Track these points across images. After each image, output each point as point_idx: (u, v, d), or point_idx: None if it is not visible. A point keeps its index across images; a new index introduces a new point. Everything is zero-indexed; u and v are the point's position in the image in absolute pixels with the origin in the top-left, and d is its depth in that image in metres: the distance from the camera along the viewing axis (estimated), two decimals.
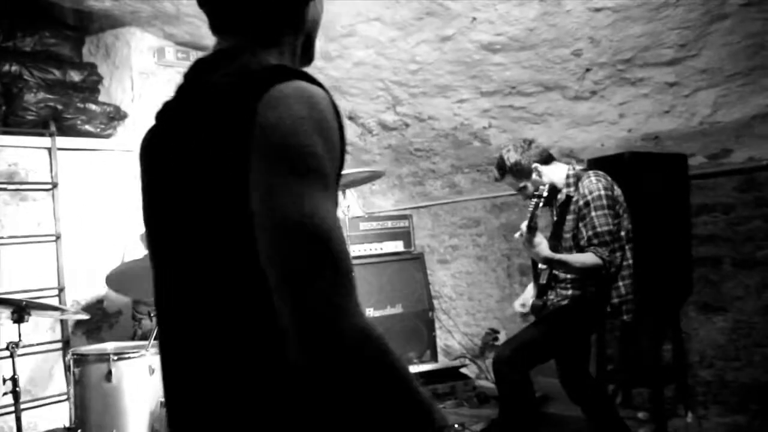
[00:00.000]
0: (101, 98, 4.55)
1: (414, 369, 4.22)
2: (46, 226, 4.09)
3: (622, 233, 2.89)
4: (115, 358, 2.93)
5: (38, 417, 3.86)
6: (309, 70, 1.01)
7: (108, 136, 4.45)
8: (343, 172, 1.01)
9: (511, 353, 2.91)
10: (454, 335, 5.21)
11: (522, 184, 3.08)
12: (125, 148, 4.48)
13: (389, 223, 4.80)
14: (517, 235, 2.84)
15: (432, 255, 5.33)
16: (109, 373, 2.90)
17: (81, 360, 2.99)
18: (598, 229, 2.80)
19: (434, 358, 4.64)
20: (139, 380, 2.96)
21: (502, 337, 4.75)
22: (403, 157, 5.18)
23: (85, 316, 3.41)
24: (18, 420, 2.90)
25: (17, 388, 2.89)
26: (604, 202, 2.83)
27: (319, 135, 0.89)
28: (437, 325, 4.95)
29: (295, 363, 0.86)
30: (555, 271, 3.02)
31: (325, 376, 0.85)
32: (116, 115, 4.43)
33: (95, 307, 4.19)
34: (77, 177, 4.25)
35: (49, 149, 4.13)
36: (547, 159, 3.06)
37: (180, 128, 1.03)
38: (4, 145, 3.98)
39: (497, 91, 4.21)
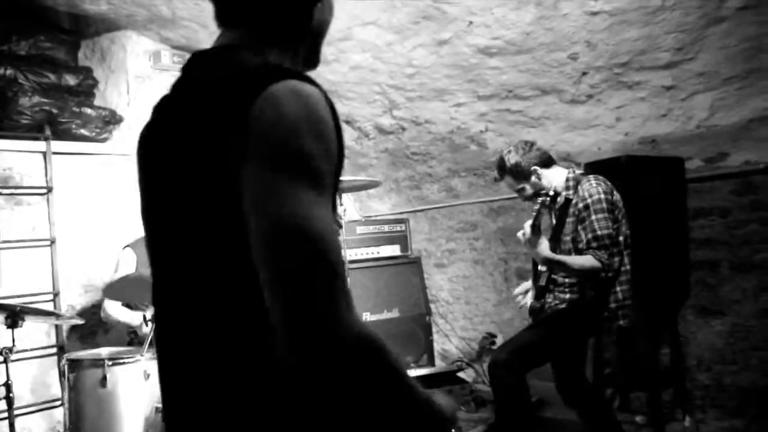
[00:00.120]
0: (97, 102, 4.53)
1: (411, 373, 4.20)
2: (41, 230, 4.07)
3: (621, 238, 2.89)
4: (110, 363, 2.92)
5: (32, 423, 3.83)
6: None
7: (104, 140, 4.43)
8: (342, 176, 1.00)
9: (507, 356, 2.91)
10: (451, 339, 5.19)
11: (520, 186, 3.09)
12: (121, 152, 4.46)
13: (386, 227, 4.79)
14: (519, 234, 2.84)
15: (429, 259, 5.32)
16: (104, 378, 2.88)
17: (75, 365, 2.98)
18: (598, 233, 2.80)
19: (431, 362, 4.63)
20: (134, 385, 2.95)
21: (499, 341, 4.74)
22: (400, 161, 5.18)
23: (79, 321, 3.39)
24: (11, 426, 2.88)
25: (11, 394, 2.86)
26: (604, 205, 2.83)
27: (314, 136, 0.88)
28: (434, 329, 4.94)
29: (283, 362, 0.85)
30: (554, 275, 3.02)
31: (320, 377, 0.84)
32: (112, 119, 4.41)
33: (90, 312, 4.16)
34: (72, 181, 4.22)
35: (44, 153, 4.11)
36: (547, 162, 3.06)
37: (176, 124, 1.02)
38: None
39: (494, 94, 4.21)
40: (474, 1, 3.57)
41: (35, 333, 3.95)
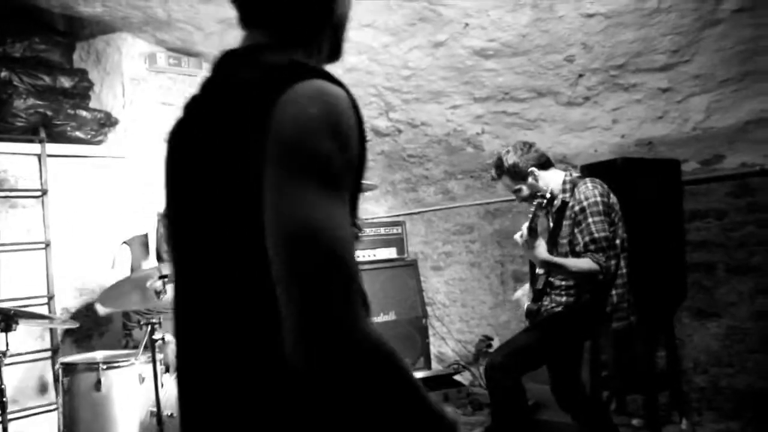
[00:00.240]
0: (92, 104, 4.51)
1: None
2: (36, 233, 4.05)
3: (617, 241, 2.88)
4: (105, 367, 2.91)
5: (26, 427, 3.81)
6: None
7: (99, 143, 4.42)
8: (364, 178, 1.00)
9: (503, 359, 2.90)
10: (448, 342, 5.18)
11: (517, 187, 3.08)
12: (116, 154, 4.45)
13: (382, 230, 4.78)
14: (517, 236, 2.84)
15: (425, 261, 5.32)
16: (99, 382, 2.87)
17: (70, 369, 2.96)
18: (595, 235, 2.79)
19: (428, 365, 4.61)
20: (128, 389, 2.93)
21: (496, 344, 4.73)
22: (396, 164, 5.17)
23: (74, 325, 3.37)
24: (5, 430, 2.86)
25: (4, 398, 2.84)
26: (601, 208, 2.83)
27: (335, 138, 0.87)
28: (431, 332, 4.93)
29: (292, 365, 0.84)
30: (551, 278, 3.01)
31: (330, 381, 0.84)
32: (107, 122, 4.40)
33: (85, 315, 4.14)
34: (67, 184, 4.21)
35: (39, 156, 4.09)
36: (545, 164, 3.05)
37: (202, 123, 1.02)
38: None
39: (490, 96, 4.21)
40: (470, 3, 3.57)
41: (29, 336, 3.93)
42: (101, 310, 3.67)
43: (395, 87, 4.45)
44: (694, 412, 3.77)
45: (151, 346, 2.78)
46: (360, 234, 3.81)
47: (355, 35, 4.03)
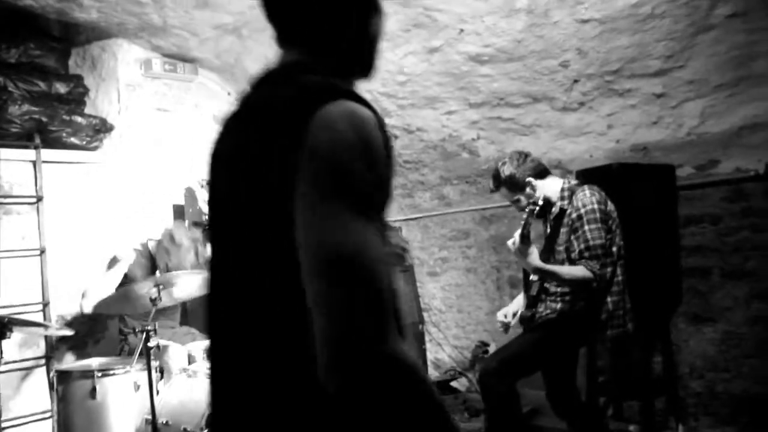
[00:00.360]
0: (87, 110, 4.51)
1: None
2: (31, 240, 4.04)
3: (614, 249, 2.89)
4: (100, 374, 2.90)
5: None
6: None
7: (94, 149, 4.41)
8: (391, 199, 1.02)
9: (497, 365, 2.90)
10: (444, 348, 5.18)
11: (515, 197, 3.09)
12: (111, 160, 4.44)
13: None
14: (509, 243, 2.83)
15: (421, 267, 5.31)
16: (93, 389, 2.86)
17: (64, 376, 2.95)
18: (590, 243, 2.79)
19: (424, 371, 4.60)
20: (124, 397, 2.92)
21: (492, 350, 4.73)
22: None
23: (68, 332, 3.35)
24: None
25: None
26: (597, 215, 2.83)
27: (365, 161, 0.90)
28: (427, 338, 4.92)
29: (322, 384, 0.85)
30: (545, 284, 3.01)
31: (359, 403, 0.85)
32: (102, 128, 4.39)
33: (80, 322, 4.12)
34: (62, 190, 4.20)
35: (34, 162, 4.08)
36: (542, 173, 3.06)
37: (238, 139, 1.05)
38: None
39: (485, 102, 4.22)
40: (465, 9, 3.58)
41: (25, 344, 3.91)
42: (86, 306, 3.64)
43: (390, 92, 4.45)
44: (690, 417, 3.77)
45: (146, 353, 2.77)
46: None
47: None
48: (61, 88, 4.30)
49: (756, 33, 3.14)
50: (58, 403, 2.95)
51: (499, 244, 4.79)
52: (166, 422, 2.75)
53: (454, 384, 4.63)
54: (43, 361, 3.98)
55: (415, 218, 5.35)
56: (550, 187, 3.01)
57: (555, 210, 2.96)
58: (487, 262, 4.95)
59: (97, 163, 4.39)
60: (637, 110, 3.78)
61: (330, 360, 0.84)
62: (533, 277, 3.09)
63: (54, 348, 4.04)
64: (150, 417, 2.73)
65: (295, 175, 0.90)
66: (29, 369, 3.93)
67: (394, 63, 4.16)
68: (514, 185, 3.03)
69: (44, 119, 4.09)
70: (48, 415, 3.85)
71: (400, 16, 3.75)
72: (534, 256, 2.75)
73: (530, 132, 4.27)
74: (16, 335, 2.96)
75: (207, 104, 4.99)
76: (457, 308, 5.17)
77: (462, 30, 3.74)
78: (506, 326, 3.13)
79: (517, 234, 2.78)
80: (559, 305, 2.97)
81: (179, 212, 4.54)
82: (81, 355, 4.06)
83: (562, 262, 2.91)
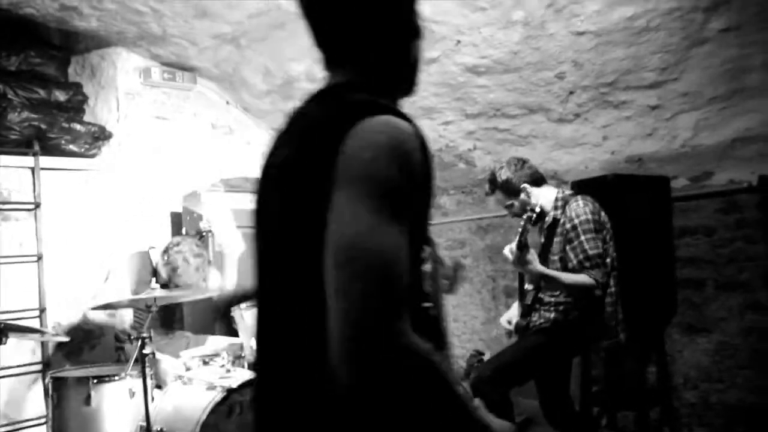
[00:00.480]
0: (86, 118, 4.53)
1: None
2: (28, 246, 4.05)
3: (608, 260, 2.91)
4: (95, 381, 2.90)
5: None
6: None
7: (93, 156, 4.43)
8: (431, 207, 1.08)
9: (491, 373, 2.91)
10: None
11: (509, 202, 3.11)
12: (110, 168, 4.46)
13: None
14: (506, 251, 2.84)
15: None
16: (88, 396, 2.86)
17: (60, 383, 2.95)
18: (589, 253, 2.81)
19: None
20: (119, 404, 2.93)
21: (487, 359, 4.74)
22: None
23: (64, 339, 3.36)
24: None
25: None
26: (592, 226, 2.86)
27: (399, 167, 0.94)
28: None
29: (337, 376, 0.89)
30: (540, 294, 3.03)
31: (371, 393, 0.88)
32: (101, 135, 4.41)
33: (76, 329, 4.13)
34: (60, 197, 4.21)
35: (33, 169, 4.10)
36: (537, 180, 3.08)
37: (284, 152, 1.12)
38: None
39: (482, 113, 4.24)
40: (462, 20, 3.61)
41: (21, 350, 3.91)
42: (92, 315, 3.63)
43: None
44: (684, 427, 3.78)
45: (141, 360, 2.78)
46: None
47: None
48: (60, 95, 4.33)
49: (749, 47, 3.18)
50: (53, 409, 2.95)
51: (494, 254, 4.81)
52: (161, 429, 2.75)
53: None
54: (39, 367, 3.98)
55: None
56: (544, 196, 3.03)
57: (548, 219, 2.98)
58: (483, 272, 4.96)
59: (96, 171, 4.41)
60: (632, 122, 3.81)
61: (342, 351, 0.87)
62: (528, 286, 3.11)
63: (50, 354, 4.04)
64: (145, 424, 2.74)
65: (332, 180, 0.95)
66: (25, 375, 3.93)
67: None
68: (510, 190, 3.06)
69: (43, 126, 4.12)
70: (43, 421, 3.84)
71: None
72: (536, 262, 2.77)
73: (526, 143, 4.30)
74: (13, 341, 2.96)
75: (206, 113, 5.02)
76: (452, 317, 5.18)
77: (459, 41, 3.77)
78: (510, 332, 3.14)
79: (514, 242, 2.80)
80: (553, 314, 2.99)
81: (177, 220, 4.55)
82: (77, 361, 4.06)
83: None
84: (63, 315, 4.13)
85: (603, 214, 2.96)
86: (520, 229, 2.77)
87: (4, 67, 4.18)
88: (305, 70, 4.41)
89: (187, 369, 3.27)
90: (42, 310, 4.02)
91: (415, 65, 1.22)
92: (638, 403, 3.52)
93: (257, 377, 1.19)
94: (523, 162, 3.13)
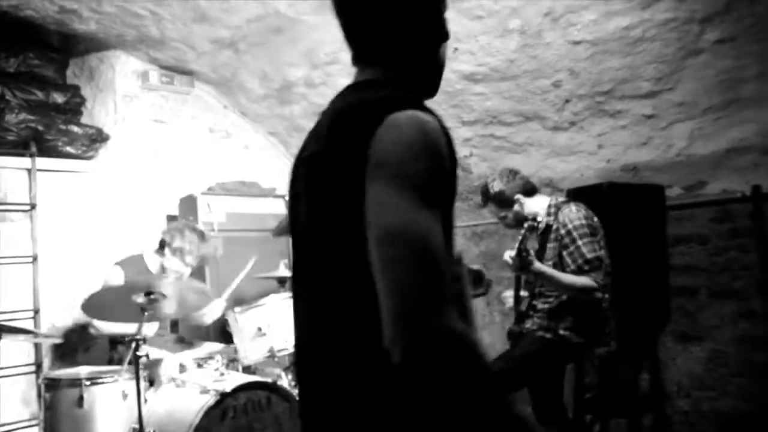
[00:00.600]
0: (84, 120, 4.54)
1: None
2: (24, 247, 4.05)
3: (607, 261, 2.92)
4: (88, 383, 2.88)
5: None
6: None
7: (90, 158, 4.43)
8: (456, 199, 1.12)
9: None
10: None
11: (503, 214, 3.12)
12: (107, 170, 4.46)
13: None
14: (506, 257, 2.85)
15: None
16: (81, 398, 2.84)
17: (52, 384, 2.94)
18: (588, 256, 2.83)
19: None
20: (111, 406, 2.91)
21: None
22: None
23: (58, 340, 3.35)
24: None
25: None
26: (587, 230, 2.87)
27: (426, 158, 1.00)
28: None
29: (390, 357, 0.93)
30: (534, 301, 3.04)
31: (416, 371, 0.92)
32: (98, 138, 4.42)
33: (71, 331, 4.12)
34: (57, 198, 4.22)
35: (29, 170, 4.10)
36: (530, 191, 3.10)
37: (316, 145, 1.16)
38: None
39: (478, 120, 4.26)
40: (459, 28, 3.63)
41: (14, 351, 3.90)
42: (99, 325, 3.61)
43: None
44: None
45: (134, 362, 2.78)
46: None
47: (345, 57, 4.08)
48: (58, 97, 4.34)
49: (744, 58, 3.21)
50: (45, 411, 2.93)
51: (489, 260, 4.82)
52: (153, 431, 2.75)
53: None
54: (32, 369, 3.97)
55: None
56: (537, 205, 3.05)
57: (541, 226, 3.00)
58: None
59: (93, 173, 4.42)
60: (627, 131, 3.83)
61: (393, 332, 0.92)
62: (523, 293, 3.12)
63: (44, 356, 4.03)
64: (137, 426, 2.73)
65: (365, 173, 1.00)
66: (18, 376, 3.92)
67: None
68: (503, 202, 3.07)
69: (40, 128, 4.12)
70: (35, 422, 3.83)
71: None
72: (538, 264, 2.79)
73: (522, 150, 4.32)
74: (6, 342, 2.95)
75: (203, 117, 5.03)
76: None
77: (456, 49, 3.79)
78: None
79: (513, 250, 2.81)
80: (547, 322, 2.99)
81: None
82: (70, 363, 4.05)
83: None
84: (57, 316, 4.13)
85: (596, 219, 2.98)
86: (520, 237, 2.78)
87: (3, 68, 4.19)
88: (303, 75, 4.43)
89: (183, 369, 3.27)
90: (36, 312, 4.02)
91: (441, 68, 1.26)
92: (631, 411, 3.52)
93: (299, 363, 1.22)
94: (515, 173, 3.14)
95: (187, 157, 4.86)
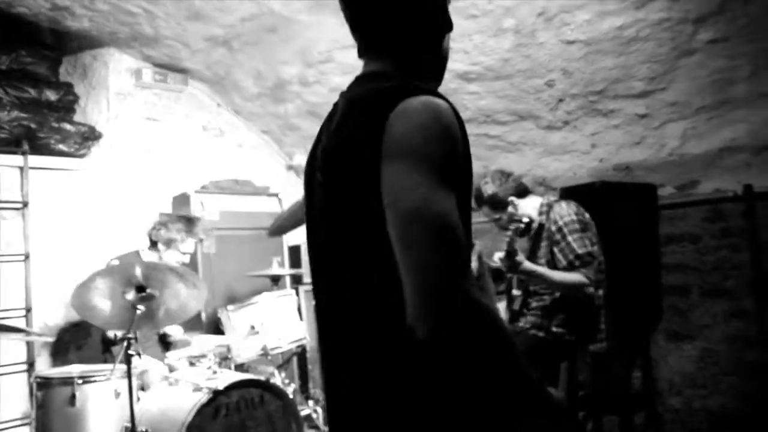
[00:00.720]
0: (77, 118, 4.52)
1: None
2: (16, 245, 4.03)
3: (601, 258, 2.93)
4: (80, 381, 2.88)
5: None
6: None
7: (82, 156, 4.41)
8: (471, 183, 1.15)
9: None
10: None
11: (497, 216, 3.13)
12: (99, 168, 4.45)
13: None
14: (496, 258, 2.86)
15: None
16: (73, 396, 2.84)
17: (45, 383, 2.93)
18: (578, 251, 2.83)
19: None
20: (104, 404, 2.91)
21: None
22: None
23: (49, 339, 3.33)
24: None
25: None
26: (577, 226, 2.88)
27: (440, 141, 1.02)
28: None
29: (413, 333, 0.95)
30: (528, 299, 3.05)
31: (441, 344, 0.94)
32: (91, 135, 4.40)
33: (63, 329, 4.11)
34: (49, 196, 4.20)
35: (21, 168, 4.08)
36: (523, 192, 3.11)
37: (329, 132, 1.18)
38: None
39: (472, 119, 4.27)
40: (454, 28, 3.63)
41: (6, 349, 3.89)
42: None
43: None
44: None
45: (126, 361, 2.77)
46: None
47: (339, 56, 4.09)
48: (51, 95, 4.32)
49: (737, 58, 3.22)
50: (37, 409, 2.92)
51: (485, 259, 4.83)
52: (146, 431, 2.74)
53: None
54: (24, 367, 3.96)
55: None
56: (530, 206, 3.06)
57: (534, 226, 3.00)
58: None
59: (85, 171, 4.40)
60: (620, 130, 3.84)
61: (417, 308, 0.94)
62: (516, 292, 3.12)
63: (36, 354, 4.02)
64: (129, 425, 2.73)
65: (380, 155, 1.02)
66: (10, 375, 3.90)
67: None
68: (496, 204, 3.08)
69: (33, 126, 4.10)
70: (27, 421, 3.82)
71: None
72: (526, 261, 2.79)
73: (516, 149, 4.33)
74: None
75: (197, 115, 5.02)
76: None
77: (450, 48, 3.79)
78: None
79: (500, 253, 2.82)
80: (540, 320, 3.00)
81: None
82: (63, 361, 4.04)
83: None
84: (50, 315, 4.11)
85: (587, 215, 2.98)
86: (507, 239, 2.79)
87: None
88: (297, 73, 4.42)
89: (172, 369, 3.26)
90: (28, 310, 4.00)
91: (445, 57, 1.29)
92: (623, 408, 3.54)
93: (323, 349, 1.24)
94: (507, 175, 3.15)
95: (181, 156, 4.85)
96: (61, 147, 4.28)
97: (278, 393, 3.07)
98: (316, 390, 4.34)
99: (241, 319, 3.56)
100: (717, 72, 3.33)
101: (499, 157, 4.38)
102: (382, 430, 1.08)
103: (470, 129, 4.09)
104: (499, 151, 4.39)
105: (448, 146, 1.03)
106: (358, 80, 1.23)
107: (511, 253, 2.77)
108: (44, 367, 3.99)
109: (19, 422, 3.84)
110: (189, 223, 3.77)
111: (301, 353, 4.38)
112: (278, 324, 3.63)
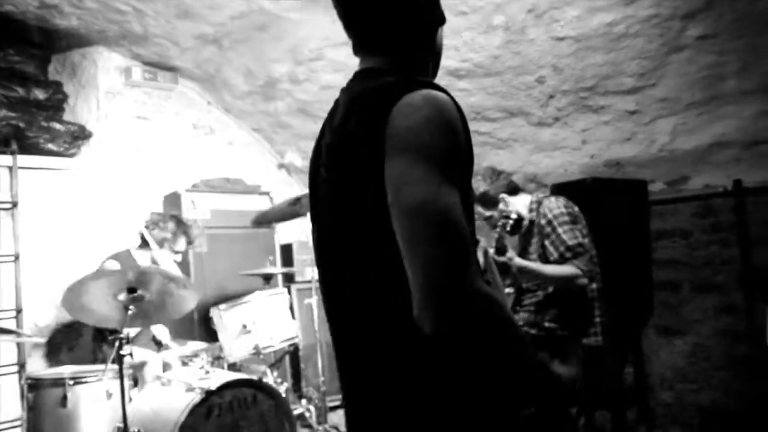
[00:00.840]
0: (66, 117, 4.49)
1: None
2: (5, 245, 4.00)
3: (594, 252, 2.94)
4: (72, 382, 2.86)
5: None
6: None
7: (72, 155, 4.39)
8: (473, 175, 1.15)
9: None
10: None
11: (488, 214, 3.13)
12: (89, 167, 4.42)
13: None
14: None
15: None
16: (64, 397, 2.82)
17: (36, 384, 2.91)
18: (569, 243, 2.83)
19: None
20: (95, 405, 2.90)
21: None
22: None
23: (40, 340, 3.31)
24: None
25: None
26: (567, 218, 2.88)
27: (443, 135, 1.02)
28: None
29: (419, 325, 0.96)
30: (521, 296, 3.05)
31: (448, 338, 0.95)
32: (81, 134, 4.38)
33: (54, 330, 4.09)
34: (38, 196, 4.17)
35: (10, 168, 4.06)
36: (513, 190, 3.11)
37: (330, 129, 1.19)
38: None
39: None
40: (446, 21, 3.63)
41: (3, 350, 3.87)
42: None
43: None
44: (660, 428, 3.83)
45: (118, 361, 2.76)
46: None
47: (330, 53, 4.08)
48: (39, 94, 4.29)
49: (726, 54, 3.23)
50: (28, 411, 2.91)
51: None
52: (138, 431, 2.74)
53: None
54: (15, 369, 3.94)
55: None
56: (521, 204, 3.06)
57: (525, 223, 3.01)
58: None
59: (75, 170, 4.37)
60: (610, 126, 3.85)
61: (422, 302, 0.95)
62: (509, 290, 3.12)
63: (27, 355, 3.99)
64: (122, 425, 2.72)
65: (383, 150, 1.03)
66: (0, 376, 3.88)
67: None
68: (488, 202, 3.08)
69: (22, 125, 4.08)
70: (18, 423, 3.80)
71: None
72: (517, 260, 2.79)
73: (506, 146, 4.34)
74: None
75: (187, 113, 5.00)
76: None
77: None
78: None
79: (493, 248, 2.82)
80: (533, 317, 3.01)
81: None
82: (55, 362, 4.02)
83: None
84: (40, 316, 4.08)
85: (576, 208, 2.99)
86: (496, 236, 2.79)
87: None
88: (287, 71, 4.41)
89: (166, 368, 3.25)
90: (19, 311, 3.97)
91: (439, 52, 1.29)
92: (615, 403, 3.55)
93: (334, 341, 1.25)
94: (498, 173, 3.15)
95: (171, 154, 4.82)
96: (51, 146, 4.25)
97: (271, 392, 3.07)
98: (309, 389, 4.34)
99: (232, 318, 3.55)
100: (706, 68, 3.34)
101: (490, 154, 4.39)
102: (393, 424, 1.10)
103: None
104: (489, 147, 4.40)
105: (450, 140, 1.03)
106: (357, 76, 1.24)
107: (500, 250, 2.77)
108: (36, 368, 3.97)
109: (9, 425, 3.81)
110: (181, 223, 3.76)
111: (294, 352, 4.37)
112: (270, 323, 3.63)
